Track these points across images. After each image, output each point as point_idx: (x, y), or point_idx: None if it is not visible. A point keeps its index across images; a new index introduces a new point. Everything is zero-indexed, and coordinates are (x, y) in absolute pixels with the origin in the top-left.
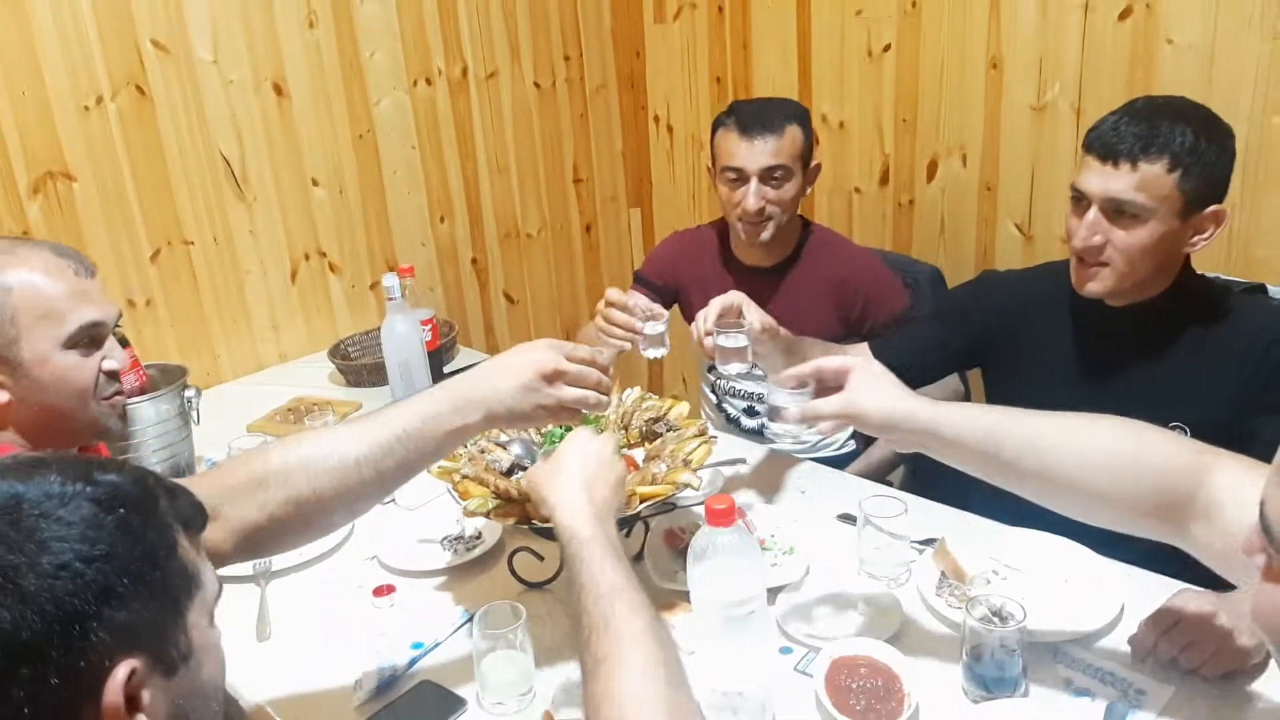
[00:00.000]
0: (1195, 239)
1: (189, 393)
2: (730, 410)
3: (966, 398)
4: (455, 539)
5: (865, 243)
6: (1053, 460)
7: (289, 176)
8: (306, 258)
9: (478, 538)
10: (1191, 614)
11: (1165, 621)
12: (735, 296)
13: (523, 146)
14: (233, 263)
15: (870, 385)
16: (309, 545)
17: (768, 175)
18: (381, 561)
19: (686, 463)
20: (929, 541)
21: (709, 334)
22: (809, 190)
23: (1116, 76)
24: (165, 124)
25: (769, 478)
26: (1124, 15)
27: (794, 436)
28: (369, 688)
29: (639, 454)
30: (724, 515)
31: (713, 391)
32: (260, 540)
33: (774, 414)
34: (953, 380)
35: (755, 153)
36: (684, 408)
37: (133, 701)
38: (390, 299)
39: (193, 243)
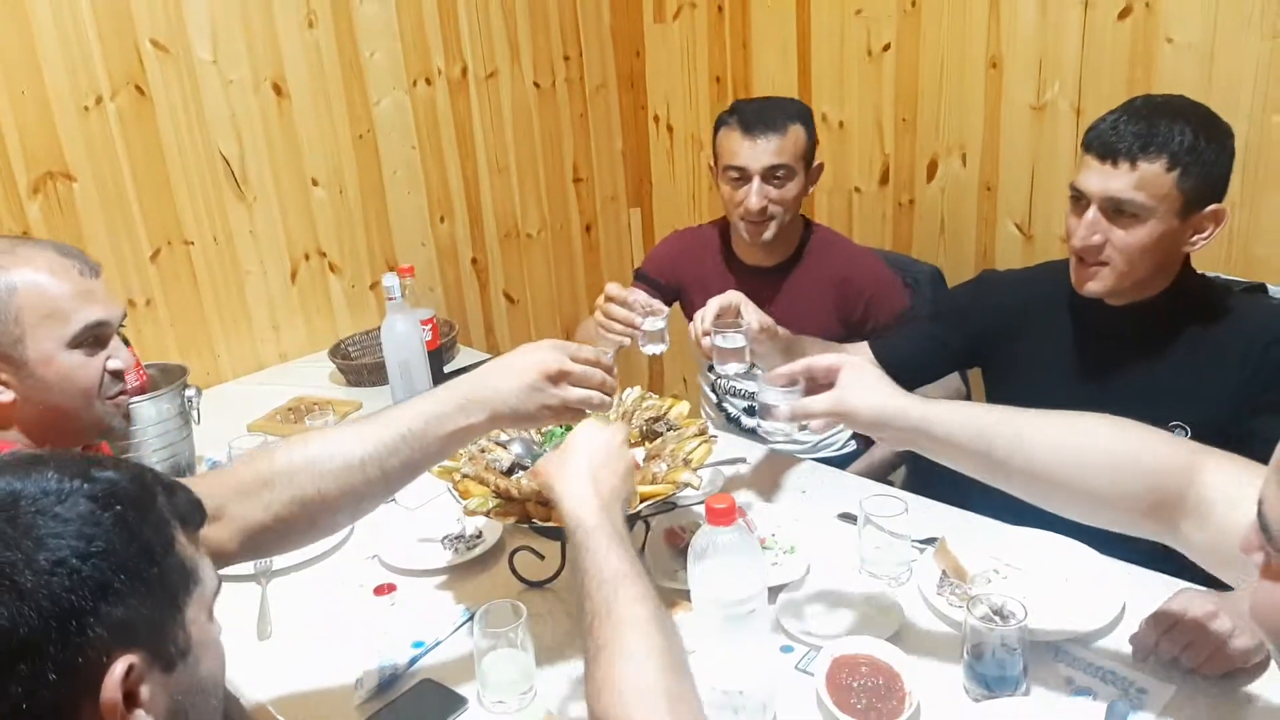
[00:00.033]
0: (1195, 238)
1: (189, 392)
2: (730, 410)
3: (968, 397)
4: (456, 538)
5: (865, 242)
6: (1042, 458)
7: (289, 176)
8: (306, 257)
9: (478, 536)
10: (1193, 613)
11: (1166, 620)
12: (733, 296)
13: (522, 146)
14: (233, 262)
15: (860, 383)
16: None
17: (770, 174)
18: (382, 560)
19: (687, 462)
20: (930, 540)
21: (706, 334)
22: (811, 190)
23: (1116, 75)
24: (165, 124)
25: (769, 477)
26: (1124, 14)
27: (785, 434)
28: (370, 686)
29: (639, 453)
30: (724, 514)
31: (713, 391)
32: (265, 540)
33: (765, 412)
34: (954, 380)
35: (758, 152)
36: (684, 407)
37: (131, 697)
38: (390, 299)
39: (193, 243)
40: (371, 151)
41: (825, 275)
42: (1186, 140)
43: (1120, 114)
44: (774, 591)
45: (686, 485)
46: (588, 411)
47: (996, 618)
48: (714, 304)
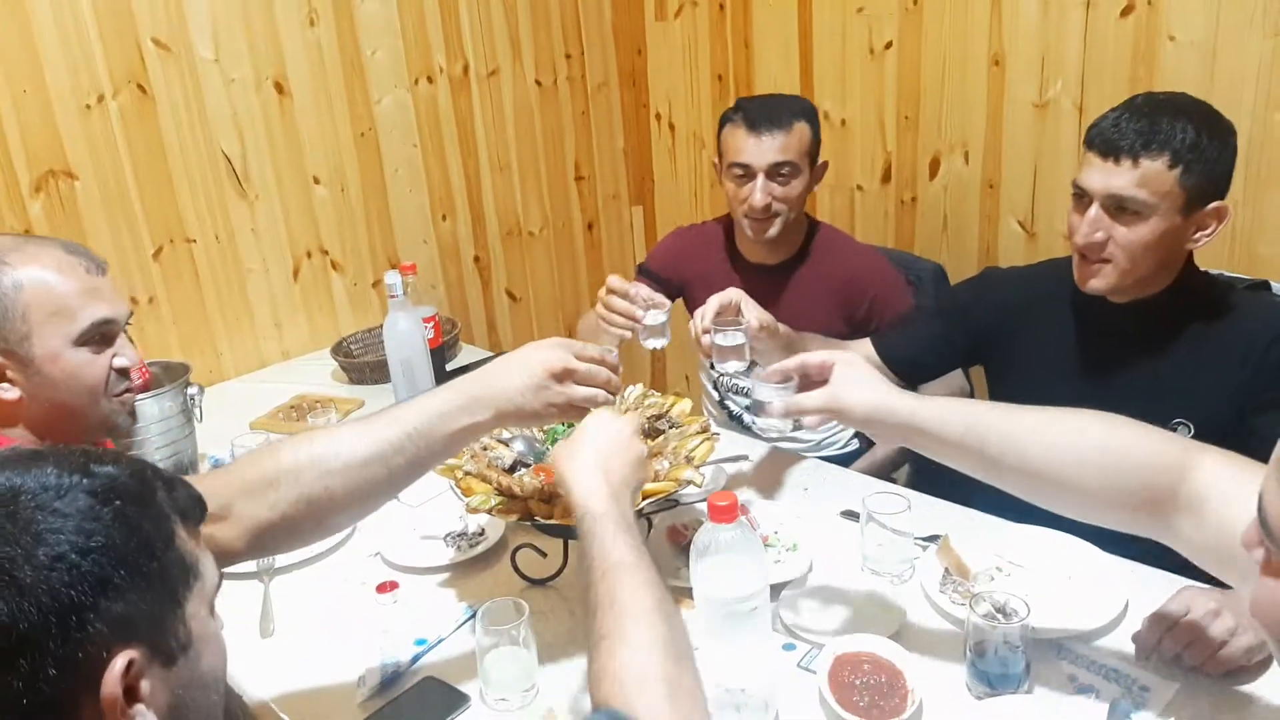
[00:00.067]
0: (1197, 235)
1: (192, 390)
2: (733, 407)
3: (971, 395)
4: (458, 535)
5: (867, 240)
6: (1034, 454)
7: (290, 174)
8: (309, 255)
9: (480, 534)
10: (1196, 611)
11: (1169, 619)
12: (733, 294)
13: (524, 144)
14: (235, 260)
15: (853, 380)
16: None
17: (775, 171)
18: (384, 558)
19: (689, 459)
20: (932, 538)
21: (706, 332)
22: (815, 188)
23: (1119, 73)
24: (166, 122)
25: (772, 474)
26: (1126, 12)
27: (779, 431)
28: (372, 684)
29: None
30: (726, 512)
31: (715, 388)
32: (272, 539)
33: (759, 409)
34: (957, 377)
35: (763, 149)
36: (686, 404)
37: (131, 692)
38: (392, 296)
39: (195, 241)
40: (373, 149)
41: (830, 274)
42: (1189, 137)
43: (1122, 111)
44: (776, 589)
45: (689, 483)
46: (592, 409)
47: (999, 615)
48: (714, 302)
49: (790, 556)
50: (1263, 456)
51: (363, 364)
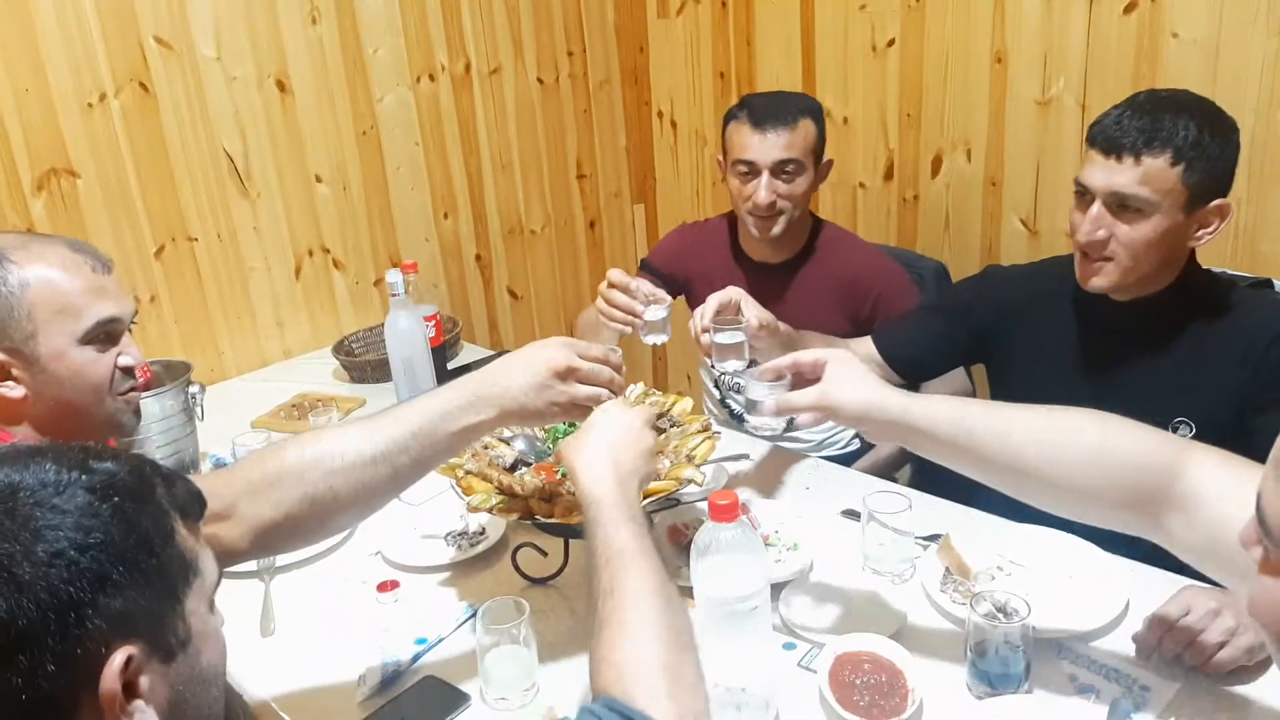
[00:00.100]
0: (1200, 233)
1: (193, 389)
2: (734, 406)
3: (973, 394)
4: (459, 534)
5: (869, 238)
6: (1024, 452)
7: (292, 173)
8: (310, 254)
9: (481, 533)
10: (1196, 611)
11: (1170, 618)
12: (732, 293)
13: (526, 142)
14: (236, 259)
15: (845, 377)
16: None
17: (779, 169)
18: (385, 557)
19: (690, 458)
20: (933, 537)
21: (705, 331)
22: (820, 186)
23: (1121, 71)
24: (169, 120)
25: (773, 473)
26: (1129, 9)
27: (772, 429)
28: (373, 683)
29: None
30: (727, 511)
31: (716, 387)
32: (275, 538)
33: (751, 407)
34: (959, 376)
35: (767, 146)
36: (687, 403)
37: (130, 687)
38: (394, 295)
39: (196, 239)
40: (375, 148)
41: (834, 273)
42: (1191, 135)
43: (1124, 109)
44: (777, 588)
45: (690, 482)
46: (596, 409)
47: (1000, 615)
48: (713, 301)
49: (791, 556)
50: (1264, 456)
51: (364, 363)
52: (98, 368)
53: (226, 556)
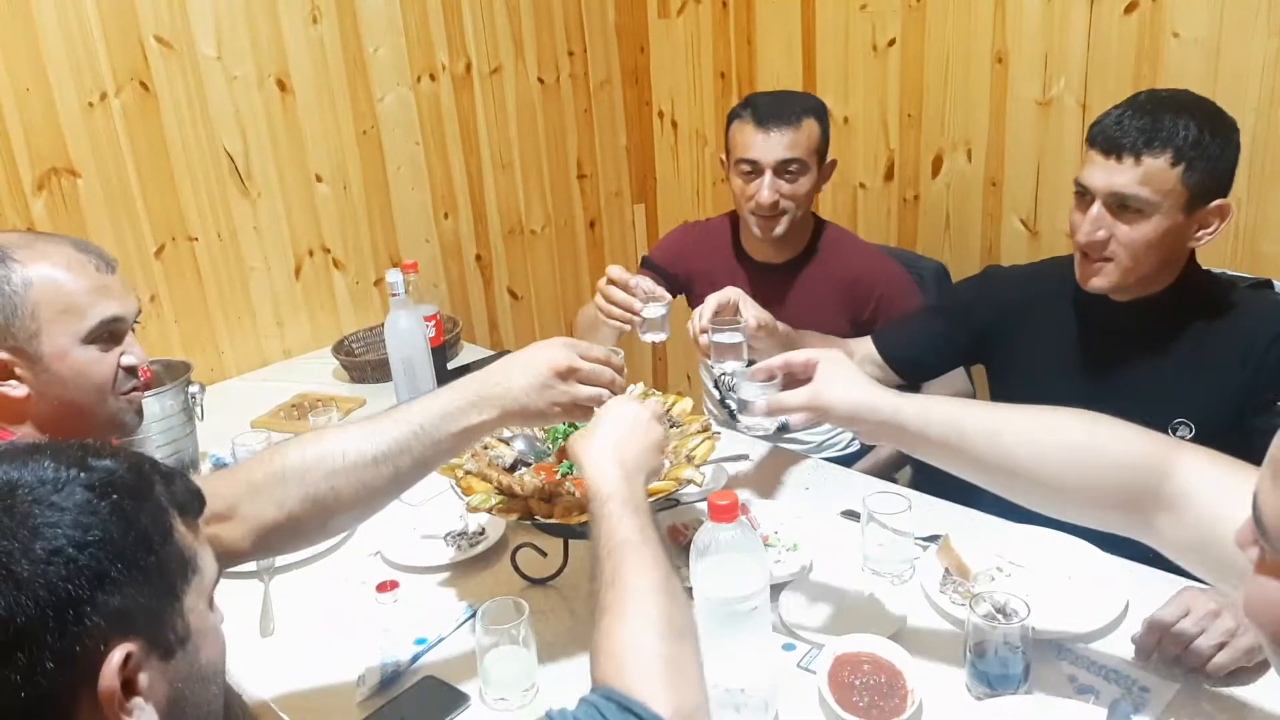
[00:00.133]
0: (1200, 233)
1: (193, 389)
2: (733, 406)
3: (973, 395)
4: (458, 535)
5: (870, 238)
6: (1014, 453)
7: (293, 172)
8: (310, 254)
9: (481, 533)
10: (1196, 612)
11: (1169, 619)
12: (731, 293)
13: (526, 142)
14: (237, 259)
15: (836, 377)
16: None
17: (782, 168)
18: (385, 557)
19: (689, 459)
20: (933, 538)
21: (704, 331)
22: (823, 187)
23: (1122, 71)
24: (169, 120)
25: (772, 474)
26: (1130, 9)
27: (764, 430)
28: (372, 683)
29: None
30: (727, 511)
31: (716, 387)
32: (277, 538)
33: (742, 407)
34: (959, 376)
35: (771, 145)
36: (687, 403)
37: (129, 685)
38: (394, 295)
39: (197, 239)
40: (375, 147)
41: (836, 274)
42: (1191, 135)
43: (1125, 109)
44: (776, 589)
45: (689, 482)
46: (596, 409)
47: (999, 616)
48: (711, 301)
49: (790, 556)
50: (1263, 456)
51: (364, 363)
52: (101, 367)
53: (228, 557)
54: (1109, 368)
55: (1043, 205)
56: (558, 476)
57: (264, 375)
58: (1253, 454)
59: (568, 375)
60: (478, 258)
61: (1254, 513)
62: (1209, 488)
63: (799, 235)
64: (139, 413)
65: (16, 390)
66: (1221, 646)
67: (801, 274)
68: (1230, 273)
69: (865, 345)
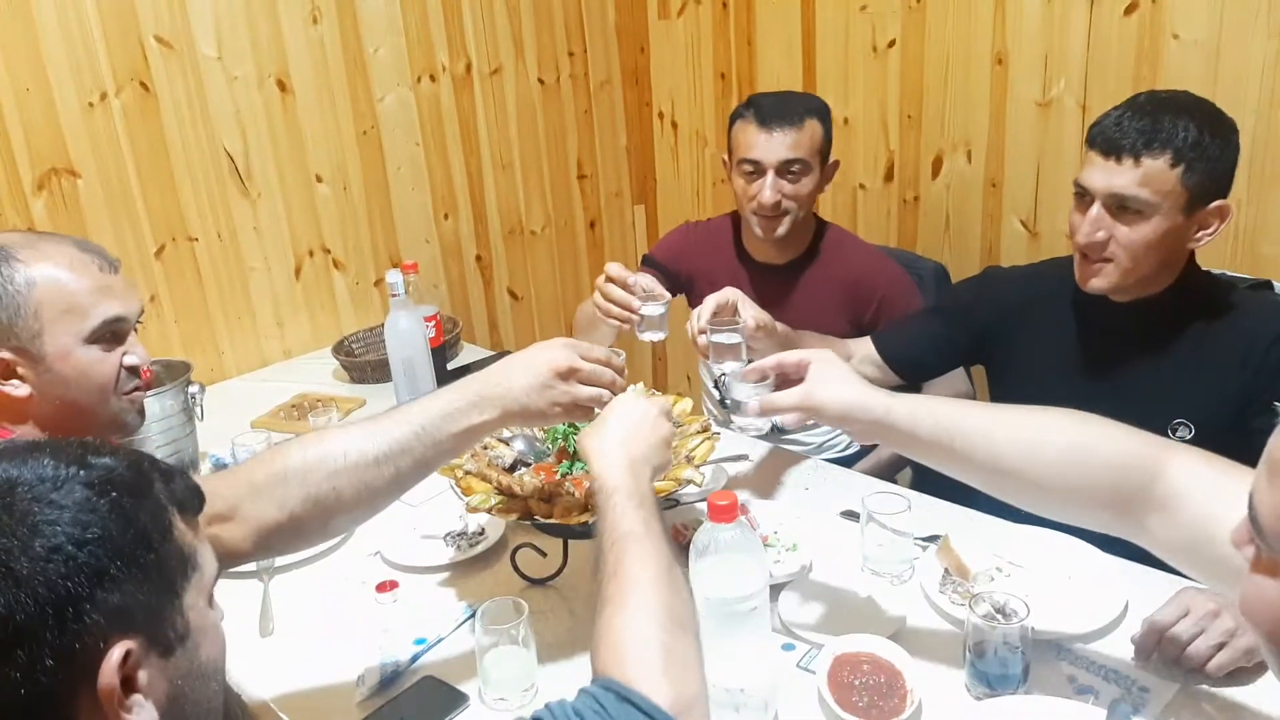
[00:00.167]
0: (1199, 234)
1: (193, 389)
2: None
3: (973, 396)
4: (458, 535)
5: (870, 239)
6: (1005, 453)
7: (293, 173)
8: (310, 254)
9: (481, 534)
10: (1194, 613)
11: (1168, 620)
12: (730, 293)
13: (527, 143)
14: (237, 259)
15: (828, 378)
16: None
17: (785, 169)
18: (384, 557)
19: (689, 459)
20: (932, 538)
21: (703, 332)
22: (826, 187)
23: (1122, 72)
24: (169, 120)
25: (772, 474)
26: (1129, 10)
27: (758, 430)
28: (372, 683)
29: None
30: (726, 511)
31: (716, 387)
32: (278, 539)
33: (735, 407)
34: (959, 377)
35: (773, 145)
36: (687, 404)
37: (129, 682)
38: (394, 295)
39: (197, 239)
40: (375, 148)
41: (838, 275)
42: (1191, 136)
43: (1124, 110)
44: (776, 589)
45: (689, 482)
46: (597, 410)
47: (999, 616)
48: (710, 302)
49: (790, 556)
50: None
51: (364, 363)
52: (103, 367)
53: (229, 557)
54: (1109, 368)
55: (1042, 206)
56: (557, 477)
57: (264, 375)
58: (1252, 455)
59: (568, 376)
60: (478, 258)
61: (1250, 512)
62: (1201, 488)
63: (801, 236)
64: (141, 413)
65: (19, 390)
66: (1221, 647)
67: (803, 275)
68: (1230, 274)
69: (865, 346)
